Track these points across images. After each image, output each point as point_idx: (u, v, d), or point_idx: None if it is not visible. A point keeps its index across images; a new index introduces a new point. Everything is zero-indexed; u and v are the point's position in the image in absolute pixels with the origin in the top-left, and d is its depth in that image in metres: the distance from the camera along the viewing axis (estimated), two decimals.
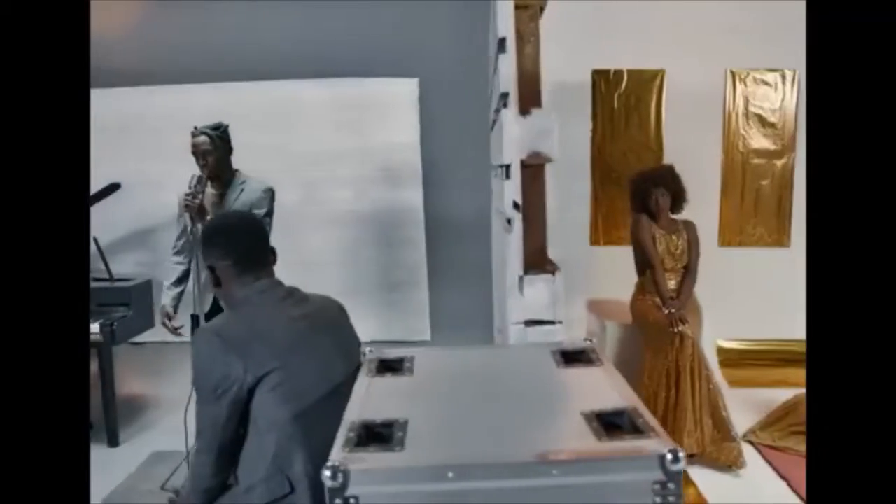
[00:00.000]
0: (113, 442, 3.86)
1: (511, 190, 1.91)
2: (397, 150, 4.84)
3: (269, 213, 3.19)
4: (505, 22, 1.87)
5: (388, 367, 1.78)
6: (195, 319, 3.22)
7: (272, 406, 1.67)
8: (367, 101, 4.82)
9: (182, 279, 3.32)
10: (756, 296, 4.80)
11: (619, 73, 4.98)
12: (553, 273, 1.94)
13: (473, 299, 4.94)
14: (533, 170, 1.91)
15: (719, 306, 4.13)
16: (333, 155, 4.83)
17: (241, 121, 4.93)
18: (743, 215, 5.00)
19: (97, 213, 4.19)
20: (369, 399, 1.55)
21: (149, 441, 3.96)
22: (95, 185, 4.95)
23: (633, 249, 3.78)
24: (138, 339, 4.18)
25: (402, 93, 4.80)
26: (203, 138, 3.12)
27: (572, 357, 1.67)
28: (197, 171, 3.16)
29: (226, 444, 1.73)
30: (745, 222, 5.01)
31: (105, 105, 4.98)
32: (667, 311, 3.47)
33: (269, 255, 1.91)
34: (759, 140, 4.96)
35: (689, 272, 3.68)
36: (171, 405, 4.41)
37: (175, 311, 3.32)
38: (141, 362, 4.65)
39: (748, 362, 4.86)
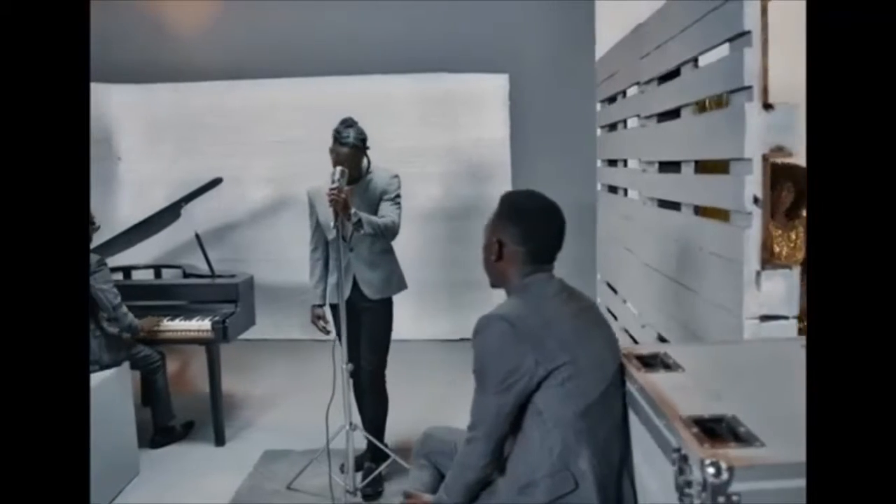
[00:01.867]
0: (220, 441, 3.79)
1: (751, 184, 1.88)
2: (486, 146, 4.80)
3: (399, 196, 3.17)
4: (751, 15, 1.83)
5: (647, 363, 1.74)
6: (334, 309, 3.18)
7: (559, 400, 1.63)
8: (457, 97, 4.79)
9: (323, 274, 3.27)
10: None
11: None
12: (790, 267, 1.92)
13: None
14: (766, 164, 1.87)
15: None
16: (422, 151, 4.80)
17: (326, 116, 4.90)
18: None
19: (195, 207, 4.12)
20: (673, 393, 1.51)
21: (251, 439, 3.90)
22: (178, 178, 4.91)
23: None
24: None
25: (492, 88, 4.77)
26: (344, 149, 3.08)
27: None
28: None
29: (503, 437, 1.69)
30: None
31: (188, 99, 4.95)
32: None
33: (559, 248, 1.86)
34: None
35: None
36: (264, 403, 4.38)
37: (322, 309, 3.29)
38: (225, 360, 4.57)
39: None
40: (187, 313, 3.80)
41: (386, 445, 3.30)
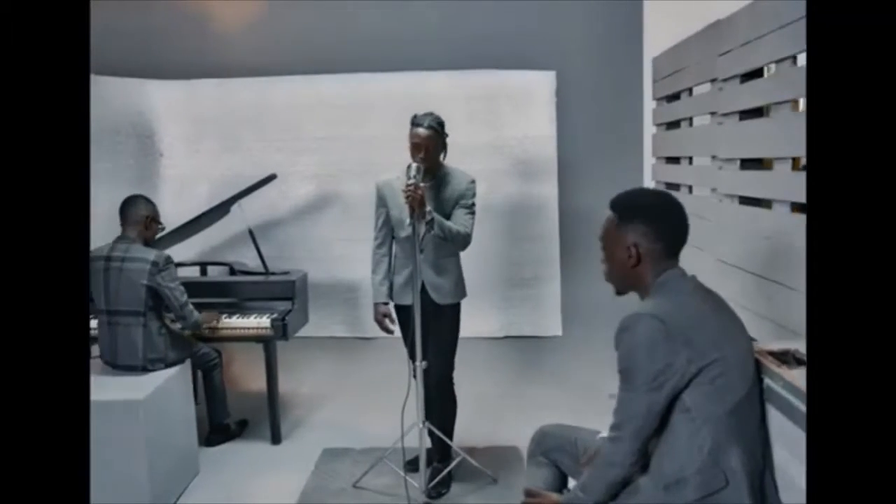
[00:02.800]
0: (276, 439, 3.76)
1: None
2: (533, 143, 4.78)
3: (474, 204, 3.12)
4: None
5: (781, 359, 1.73)
6: (402, 310, 3.15)
7: (709, 398, 1.62)
8: (503, 93, 4.76)
9: (389, 271, 3.21)
10: None
11: None
12: None
13: (606, 295, 4.86)
14: None
15: None
16: (467, 148, 4.74)
17: (371, 113, 4.89)
18: None
19: (249, 203, 4.09)
20: None
21: (305, 437, 3.87)
22: (221, 175, 4.88)
23: None
24: None
25: (539, 85, 4.74)
26: (427, 131, 3.01)
27: None
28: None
29: (650, 435, 1.67)
30: None
31: (231, 95, 4.91)
32: None
33: (686, 241, 1.84)
34: None
35: None
36: (312, 401, 4.35)
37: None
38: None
39: None
40: (243, 311, 3.77)
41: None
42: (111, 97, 4.77)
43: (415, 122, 3.02)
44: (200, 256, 4.63)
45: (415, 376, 2.99)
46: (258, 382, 4.45)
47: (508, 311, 4.81)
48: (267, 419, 3.86)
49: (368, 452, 3.59)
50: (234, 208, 4.02)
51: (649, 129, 4.52)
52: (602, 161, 4.76)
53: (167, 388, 3.16)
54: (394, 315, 3.26)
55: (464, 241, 3.06)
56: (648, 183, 4.25)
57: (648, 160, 4.55)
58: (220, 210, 4.03)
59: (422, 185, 2.87)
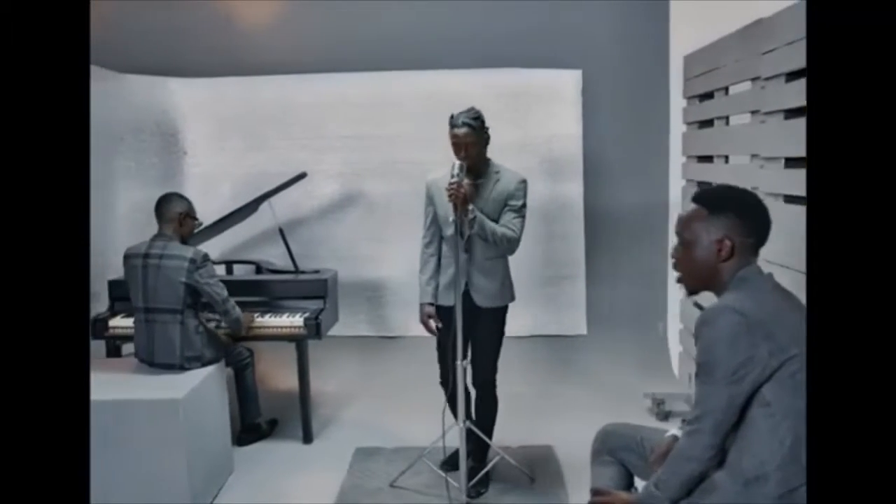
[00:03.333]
0: (307, 438, 3.75)
1: None
2: (558, 142, 4.76)
3: (525, 206, 3.08)
4: None
5: None
6: (443, 310, 3.13)
7: (790, 392, 1.61)
8: (528, 92, 4.74)
9: (436, 272, 3.20)
10: None
11: None
12: None
13: (630, 294, 4.90)
14: None
15: None
16: (492, 146, 4.72)
17: (396, 111, 4.87)
18: None
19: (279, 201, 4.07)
20: None
21: (336, 437, 3.86)
22: (244, 173, 4.87)
23: None
24: None
25: (565, 84, 4.73)
26: (466, 130, 2.99)
27: None
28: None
29: (729, 428, 1.66)
30: None
31: (255, 94, 4.89)
32: None
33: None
34: None
35: None
36: (339, 400, 4.34)
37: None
38: (293, 358, 4.52)
39: None
40: (274, 310, 3.75)
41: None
42: (135, 95, 4.75)
43: (451, 122, 3.01)
44: (224, 255, 4.61)
45: (453, 377, 2.98)
46: (285, 381, 4.45)
47: (534, 311, 4.78)
48: (296, 418, 3.86)
49: (401, 452, 3.58)
50: (263, 206, 4.01)
51: (676, 128, 4.51)
52: (628, 160, 4.75)
53: (205, 386, 3.15)
54: (434, 316, 3.23)
55: (509, 245, 3.02)
56: (679, 182, 4.23)
57: (676, 159, 4.55)
58: (249, 208, 4.02)
59: (465, 183, 2.85)
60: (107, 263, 4.63)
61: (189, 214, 3.33)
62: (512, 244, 3.03)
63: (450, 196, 2.84)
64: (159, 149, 4.85)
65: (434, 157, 4.77)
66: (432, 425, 3.45)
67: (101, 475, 2.88)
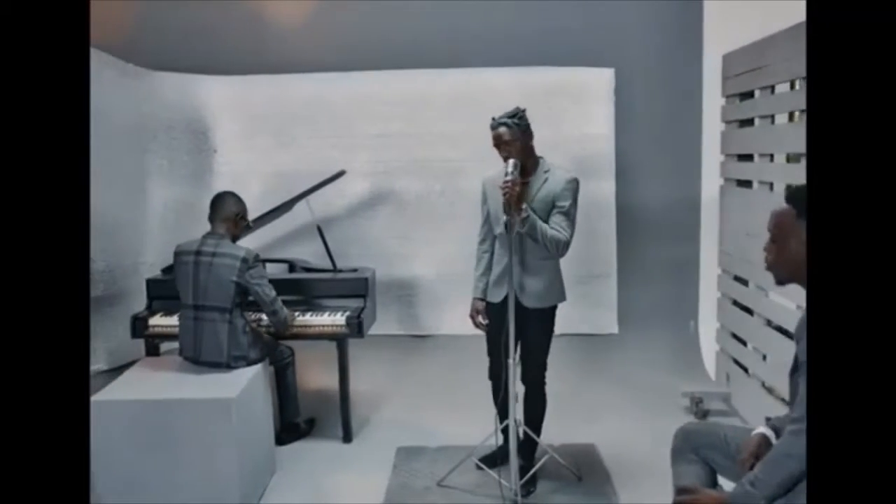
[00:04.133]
0: (347, 438, 3.73)
1: None
2: (590, 141, 4.75)
3: (574, 206, 3.06)
4: None
5: None
6: (491, 307, 3.13)
7: None
8: (561, 91, 4.73)
9: (488, 268, 3.19)
10: None
11: None
12: None
13: (661, 293, 4.89)
14: None
15: None
16: None
17: (427, 109, 4.85)
18: None
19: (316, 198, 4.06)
20: None
21: (375, 436, 3.84)
22: (274, 171, 4.85)
23: None
24: None
25: (597, 82, 4.72)
26: (503, 129, 2.98)
27: None
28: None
29: None
30: None
31: (286, 92, 4.87)
32: None
33: None
34: None
35: None
36: (373, 399, 4.32)
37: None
38: (323, 357, 4.50)
39: None
40: (314, 308, 3.74)
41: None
42: (168, 93, 4.73)
43: (491, 124, 3.02)
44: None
45: (504, 375, 2.97)
46: (319, 381, 4.44)
47: (565, 309, 4.75)
48: (332, 417, 3.85)
49: (444, 451, 3.57)
50: (300, 204, 3.99)
51: (709, 127, 4.51)
52: (660, 159, 4.75)
53: (253, 386, 3.13)
54: (482, 311, 3.22)
55: (558, 246, 2.98)
56: (716, 180, 4.23)
57: (708, 158, 4.55)
58: (287, 206, 4.00)
59: (518, 181, 2.85)
60: (140, 261, 4.61)
61: (242, 215, 3.32)
62: (560, 247, 3.00)
63: (503, 194, 2.83)
64: (190, 147, 4.83)
65: (465, 154, 4.78)
66: (471, 424, 3.45)
67: (151, 474, 2.88)
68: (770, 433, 1.91)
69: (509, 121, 3.00)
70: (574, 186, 3.05)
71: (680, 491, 1.91)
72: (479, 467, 3.28)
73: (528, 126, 3.05)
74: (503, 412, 3.04)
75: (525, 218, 2.86)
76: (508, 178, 2.82)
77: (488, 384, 3.26)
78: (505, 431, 3.08)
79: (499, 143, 2.99)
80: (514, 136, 2.99)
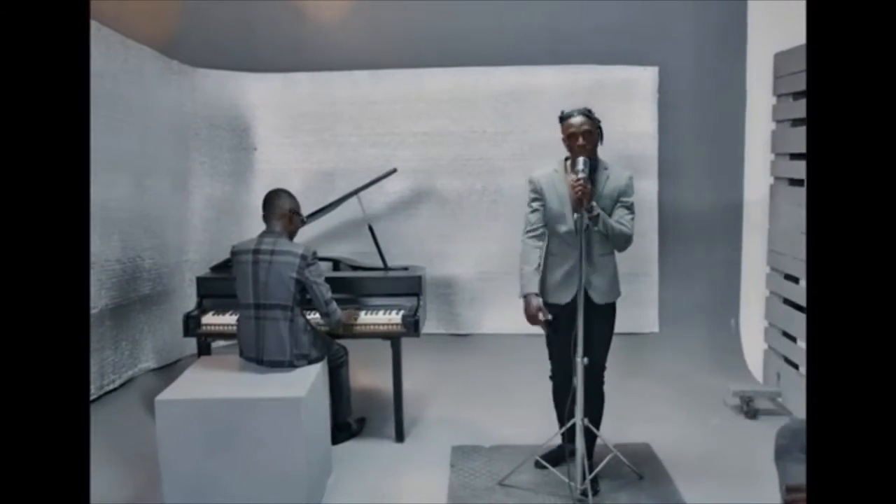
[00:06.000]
0: (400, 437, 3.72)
1: None
2: (633, 140, 4.75)
3: (633, 203, 3.06)
4: None
5: None
6: (553, 308, 3.10)
7: None
8: (604, 89, 4.72)
9: (541, 265, 3.13)
10: None
11: None
12: None
13: (702, 292, 4.89)
14: None
15: None
16: None
17: (469, 107, 4.84)
18: None
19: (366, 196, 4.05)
20: None
21: (427, 435, 3.83)
22: (314, 169, 4.84)
23: None
24: None
25: (641, 80, 4.71)
26: (583, 118, 2.95)
27: None
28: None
29: None
30: None
31: (327, 89, 4.86)
32: None
33: None
34: None
35: None
36: (418, 399, 4.29)
37: None
38: (364, 356, 4.47)
39: None
40: (366, 307, 3.72)
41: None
42: (208, 90, 4.71)
43: (565, 114, 2.98)
44: None
45: (576, 374, 2.96)
46: (368, 380, 4.42)
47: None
48: (382, 416, 3.84)
49: (498, 450, 3.56)
50: (351, 201, 3.98)
51: (753, 127, 4.51)
52: (703, 158, 4.75)
53: (317, 385, 3.12)
54: (543, 309, 3.16)
55: (625, 241, 2.99)
56: (759, 179, 4.23)
57: (752, 157, 4.54)
58: (337, 203, 3.98)
59: (588, 179, 2.84)
60: (184, 259, 4.59)
61: (296, 211, 3.29)
62: (627, 241, 3.00)
63: (575, 192, 2.82)
64: (231, 145, 4.82)
65: (507, 153, 4.78)
66: (520, 423, 3.43)
67: (218, 475, 2.86)
68: None
69: (588, 113, 2.99)
70: (633, 183, 3.08)
71: (791, 489, 1.89)
72: (541, 466, 3.27)
73: (600, 123, 3.04)
74: (572, 412, 3.02)
75: (597, 216, 2.86)
76: (581, 175, 2.81)
77: (532, 383, 3.23)
78: (568, 431, 3.06)
79: (577, 132, 2.93)
80: (594, 128, 2.98)
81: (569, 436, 3.18)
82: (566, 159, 3.08)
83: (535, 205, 3.11)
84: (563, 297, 3.06)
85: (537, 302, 3.05)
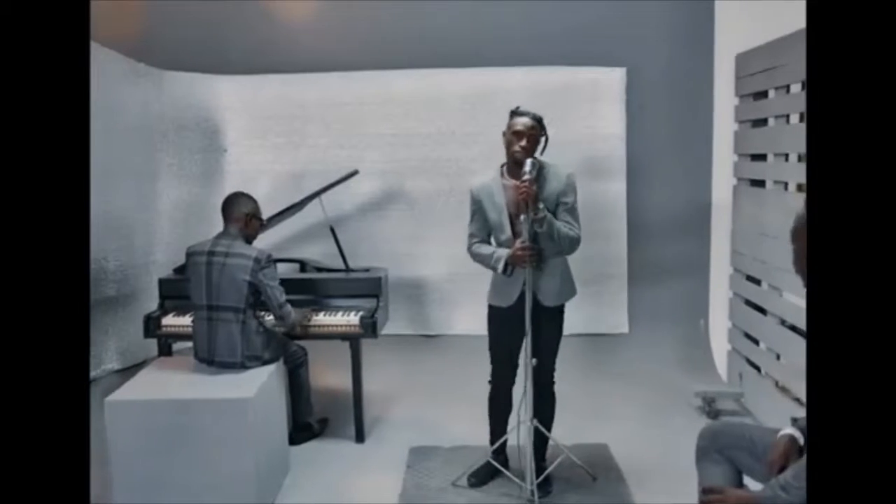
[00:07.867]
0: (360, 438, 3.73)
1: None
2: (601, 141, 4.75)
3: (576, 201, 3.05)
4: None
5: None
6: (499, 311, 3.11)
7: None
8: (572, 90, 4.73)
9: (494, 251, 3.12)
10: None
11: None
12: None
13: (672, 293, 4.89)
14: None
15: None
16: None
17: (439, 109, 4.85)
18: None
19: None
20: None
21: (387, 436, 3.84)
22: (284, 171, 4.86)
23: None
24: None
25: (609, 82, 4.72)
26: (531, 122, 2.95)
27: None
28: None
29: None
30: None
31: (297, 91, 4.87)
32: None
33: None
34: None
35: None
36: (383, 399, 4.31)
37: None
38: (332, 357, 4.48)
39: None
40: (326, 308, 3.73)
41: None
42: (176, 92, 4.73)
43: (517, 111, 2.97)
44: None
45: (525, 377, 2.96)
46: (331, 380, 4.43)
47: (575, 309, 4.74)
48: (344, 417, 3.85)
49: (457, 451, 3.57)
50: (310, 204, 3.99)
51: (720, 128, 4.51)
52: (671, 159, 4.75)
53: (269, 385, 3.13)
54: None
55: (572, 244, 2.98)
56: (726, 180, 4.23)
57: (719, 158, 4.54)
58: (299, 206, 3.99)
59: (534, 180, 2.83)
60: (151, 261, 4.61)
61: (255, 215, 3.31)
62: (573, 244, 3.00)
63: (520, 194, 2.81)
64: (200, 146, 4.84)
65: (475, 154, 4.78)
66: (483, 424, 3.42)
67: (167, 474, 2.88)
68: (798, 434, 1.90)
69: (536, 115, 2.98)
70: (574, 181, 3.04)
71: (706, 491, 1.90)
72: (493, 466, 3.27)
73: (545, 128, 3.04)
74: (507, 415, 3.05)
75: (542, 218, 2.85)
76: (527, 177, 2.81)
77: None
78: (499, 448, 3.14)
79: (523, 132, 2.91)
80: (537, 131, 2.97)
81: (499, 456, 3.22)
82: (502, 166, 3.07)
83: (475, 217, 3.10)
84: (506, 300, 3.06)
85: (513, 246, 2.92)
